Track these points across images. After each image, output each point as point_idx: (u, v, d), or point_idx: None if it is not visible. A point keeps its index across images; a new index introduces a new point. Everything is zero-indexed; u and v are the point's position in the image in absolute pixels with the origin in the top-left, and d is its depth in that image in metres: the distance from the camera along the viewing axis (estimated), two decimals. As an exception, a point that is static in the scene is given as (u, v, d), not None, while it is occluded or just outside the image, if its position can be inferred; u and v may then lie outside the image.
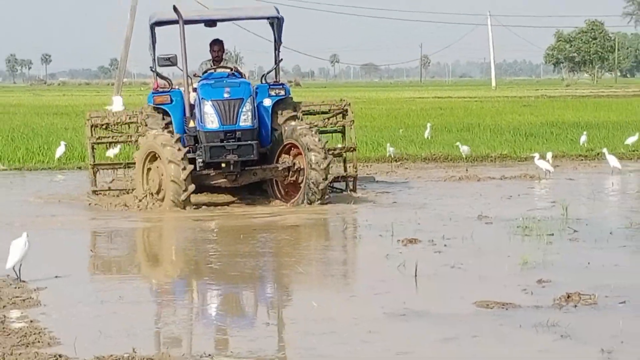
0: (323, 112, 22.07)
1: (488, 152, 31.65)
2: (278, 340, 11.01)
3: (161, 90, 19.97)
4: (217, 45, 20.03)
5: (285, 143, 19.44)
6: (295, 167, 19.13)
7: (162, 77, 20.67)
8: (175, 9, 19.13)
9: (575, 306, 11.78)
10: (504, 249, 15.75)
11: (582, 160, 30.84)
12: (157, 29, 19.99)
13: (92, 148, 21.50)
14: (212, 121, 18.67)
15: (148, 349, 9.94)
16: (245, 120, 18.85)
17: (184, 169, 17.99)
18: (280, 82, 20.42)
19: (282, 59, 20.48)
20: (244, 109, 18.79)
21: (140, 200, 19.05)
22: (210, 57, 20.01)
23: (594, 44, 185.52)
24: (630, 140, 30.99)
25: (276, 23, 20.18)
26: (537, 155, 25.80)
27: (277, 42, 20.60)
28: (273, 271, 14.72)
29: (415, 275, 13.52)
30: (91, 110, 23.81)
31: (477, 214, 19.38)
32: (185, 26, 19.82)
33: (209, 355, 10.02)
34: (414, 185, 24.07)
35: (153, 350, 9.93)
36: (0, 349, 9.84)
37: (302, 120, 20.48)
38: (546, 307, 11.70)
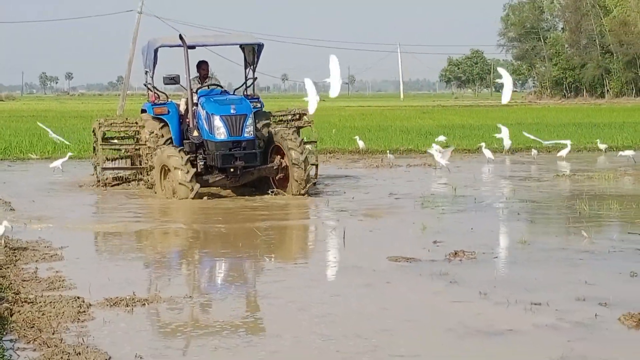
0: (286, 119, 21.07)
1: (398, 147, 31.68)
2: (244, 282, 10.99)
3: (159, 102, 19.20)
4: (204, 65, 19.18)
5: (272, 145, 18.56)
6: (283, 165, 18.43)
7: (160, 92, 19.88)
8: (180, 37, 18.56)
9: (461, 260, 11.80)
10: (409, 218, 15.77)
11: (466, 152, 30.91)
12: (160, 51, 19.08)
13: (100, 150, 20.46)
14: (221, 133, 17.58)
15: (144, 292, 9.89)
16: (249, 132, 17.87)
17: (188, 172, 17.26)
18: (256, 96, 19.66)
19: (256, 77, 19.80)
20: (247, 123, 17.83)
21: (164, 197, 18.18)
22: (198, 75, 19.02)
23: (475, 67, 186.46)
24: (498, 135, 31.07)
25: (257, 48, 19.45)
26: (435, 147, 25.87)
27: (255, 64, 19.57)
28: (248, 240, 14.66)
29: (344, 238, 13.49)
30: (99, 117, 22.62)
31: (389, 192, 19.41)
32: (168, 49, 19.44)
33: (190, 296, 9.98)
34: (346, 172, 24.03)
35: (148, 293, 9.87)
36: (33, 292, 9.82)
37: (271, 125, 19.67)
38: (439, 261, 11.73)
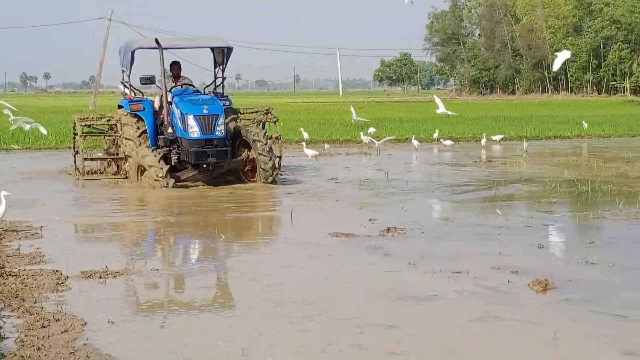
0: (254, 116, 20.39)
1: (337, 137, 31.70)
2: (204, 258, 10.96)
3: (135, 100, 18.63)
4: (176, 65, 18.65)
5: (240, 139, 17.90)
6: (250, 157, 17.88)
7: (136, 89, 19.15)
8: (157, 40, 17.97)
9: (393, 235, 11.85)
10: (348, 198, 15.79)
11: (397, 142, 31.01)
12: (137, 52, 18.50)
13: (79, 145, 19.82)
14: (195, 132, 17.07)
15: (116, 266, 9.82)
16: (220, 130, 17.31)
17: (161, 168, 16.69)
18: (225, 95, 19.00)
19: (225, 77, 19.23)
20: (219, 122, 17.26)
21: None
22: (171, 74, 18.45)
23: (404, 68, 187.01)
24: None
25: (226, 51, 18.92)
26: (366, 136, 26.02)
27: (224, 65, 18.97)
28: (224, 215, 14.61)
29: (291, 216, 13.50)
30: (77, 114, 21.85)
31: (330, 177, 19.43)
32: (143, 50, 18.94)
33: (157, 269, 9.93)
34: (293, 161, 23.97)
35: (119, 267, 9.80)
36: (16, 266, 9.75)
37: (239, 121, 19.07)
38: (374, 236, 11.77)
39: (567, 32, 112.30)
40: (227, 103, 18.58)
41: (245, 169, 18.00)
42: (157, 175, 16.63)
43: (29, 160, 24.60)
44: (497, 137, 30.82)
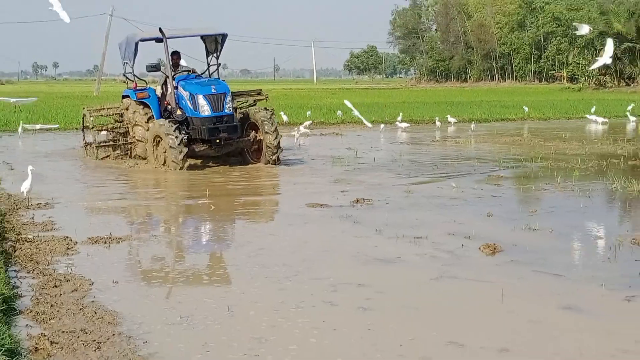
0: (246, 95, 19.26)
1: (313, 120, 31.68)
2: (197, 227, 10.94)
3: (140, 88, 17.90)
4: (175, 55, 17.64)
5: (248, 122, 17.14)
6: (257, 138, 17.10)
7: (139, 79, 18.44)
8: (160, 30, 17.09)
9: (361, 205, 11.87)
10: (322, 174, 15.79)
11: (361, 124, 31.00)
12: (140, 44, 17.67)
13: (87, 129, 19.17)
14: (205, 110, 16.33)
15: (119, 233, 9.78)
16: (229, 108, 16.61)
17: (181, 152, 15.91)
18: (222, 79, 17.84)
19: (220, 64, 18.46)
20: (227, 100, 16.55)
21: (155, 167, 16.55)
22: (171, 63, 17.26)
23: (371, 58, 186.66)
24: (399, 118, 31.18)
25: (221, 38, 17.87)
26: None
27: (219, 52, 17.97)
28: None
29: (273, 188, 13.50)
30: (88, 106, 20.65)
31: (307, 155, 19.43)
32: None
33: (156, 236, 9.90)
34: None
35: (122, 234, 9.76)
36: (31, 233, 9.66)
37: (236, 102, 18.25)
38: (345, 206, 11.78)
39: (513, 28, 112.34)
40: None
41: (252, 149, 17.35)
42: (172, 144, 15.90)
43: (40, 141, 24.38)
44: (452, 120, 30.88)
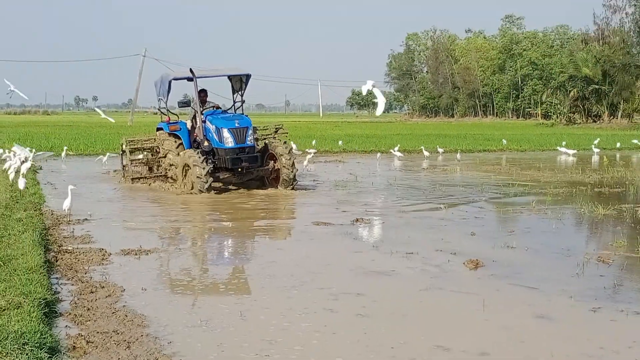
0: (267, 131, 19.29)
1: (319, 148, 31.69)
2: (217, 242, 10.92)
3: (172, 122, 17.52)
4: (203, 92, 17.20)
5: (268, 153, 16.83)
6: (275, 167, 16.80)
7: (172, 114, 18.29)
8: (191, 70, 16.90)
9: (360, 224, 11.86)
10: (327, 195, 15.78)
11: (364, 152, 31.06)
12: (173, 82, 17.20)
13: (127, 165, 18.69)
14: (229, 142, 16.10)
15: (148, 246, 9.78)
16: (250, 140, 16.35)
17: (204, 168, 15.60)
18: (245, 115, 17.34)
19: (244, 101, 17.70)
20: (249, 133, 16.29)
21: (181, 192, 16.03)
22: (199, 100, 16.85)
23: (370, 96, 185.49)
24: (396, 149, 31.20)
25: (245, 78, 17.44)
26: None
27: (243, 90, 17.53)
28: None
29: (284, 209, 13.48)
30: (127, 137, 19.92)
31: (313, 179, 19.43)
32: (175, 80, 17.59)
33: (180, 249, 9.89)
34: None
35: (151, 247, 9.76)
36: (70, 246, 9.67)
37: (258, 135, 17.93)
38: (346, 225, 11.77)
39: (494, 71, 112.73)
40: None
41: (270, 177, 17.01)
42: (199, 173, 15.57)
43: (81, 164, 24.44)
44: (441, 150, 30.87)
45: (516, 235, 10.94)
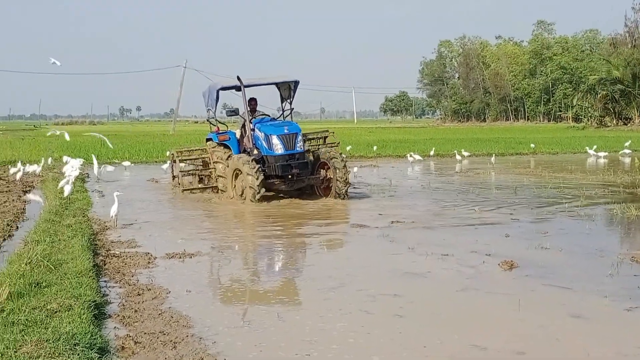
0: (316, 137, 18.23)
1: (353, 154, 31.66)
2: (260, 243, 10.92)
3: (221, 131, 16.87)
4: (253, 101, 16.60)
5: (319, 162, 16.05)
6: (327, 177, 15.97)
7: (222, 123, 17.64)
8: (238, 78, 16.20)
9: (396, 226, 11.81)
10: (364, 199, 15.72)
11: (398, 157, 30.93)
12: (221, 92, 16.72)
13: (177, 175, 18.18)
14: (279, 149, 15.39)
15: (192, 249, 9.85)
16: (300, 146, 15.60)
17: (257, 178, 14.91)
18: (294, 122, 16.46)
19: (293, 108, 17.09)
20: (298, 139, 15.54)
21: (231, 198, 15.74)
22: (248, 109, 16.27)
23: (402, 102, 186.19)
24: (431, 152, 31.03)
25: (293, 85, 16.78)
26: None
27: (292, 97, 16.93)
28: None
29: (323, 213, 13.45)
30: (176, 148, 19.96)
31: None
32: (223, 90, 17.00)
33: (221, 252, 9.93)
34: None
35: (194, 250, 9.82)
36: (118, 250, 9.77)
37: (310, 145, 17.26)
38: (382, 227, 11.74)
39: (525, 75, 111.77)
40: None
41: (322, 187, 16.19)
42: (252, 184, 14.94)
43: (125, 173, 24.72)
44: (466, 154, 30.52)
45: (550, 236, 10.81)
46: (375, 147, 33.06)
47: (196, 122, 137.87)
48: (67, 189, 15.07)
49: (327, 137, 18.38)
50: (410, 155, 28.21)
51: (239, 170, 15.51)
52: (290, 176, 15.71)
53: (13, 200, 15.17)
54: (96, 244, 10.06)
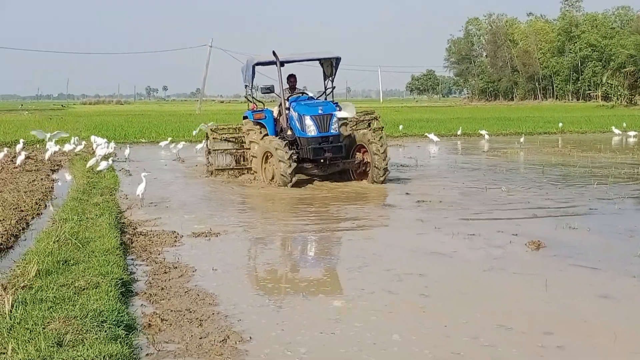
0: (362, 119, 16.98)
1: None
2: (287, 225, 10.93)
3: (257, 110, 16.02)
4: (292, 78, 15.75)
5: (355, 145, 15.22)
6: (364, 161, 15.13)
7: (258, 101, 16.69)
8: (274, 53, 15.11)
9: (423, 206, 11.76)
10: (391, 179, 15.49)
11: (421, 137, 30.75)
12: (257, 67, 15.79)
13: (209, 154, 17.20)
14: (312, 130, 14.56)
15: (218, 228, 9.89)
16: (334, 128, 14.71)
17: (290, 166, 14.26)
18: (335, 102, 15.62)
19: (334, 86, 15.98)
20: (333, 121, 14.64)
21: (261, 181, 15.01)
22: (287, 86, 15.63)
23: (429, 81, 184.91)
24: (459, 131, 30.64)
25: (335, 62, 15.66)
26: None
27: (334, 75, 15.86)
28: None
29: (349, 193, 13.40)
30: (211, 125, 19.27)
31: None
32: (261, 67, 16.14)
33: (248, 232, 9.95)
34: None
35: (220, 229, 9.86)
36: (144, 228, 9.84)
37: (347, 125, 15.98)
38: (409, 207, 11.70)
39: (553, 53, 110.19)
40: (337, 109, 15.29)
41: (357, 171, 15.34)
42: (284, 172, 14.29)
43: (152, 151, 24.85)
44: (484, 132, 29.70)
45: (578, 216, 10.70)
46: (401, 127, 32.90)
47: (222, 102, 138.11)
48: (103, 164, 15.45)
49: (376, 119, 17.28)
50: (427, 136, 27.71)
51: (270, 154, 14.88)
52: (322, 160, 14.98)
53: (41, 179, 15.34)
54: (123, 223, 10.15)
